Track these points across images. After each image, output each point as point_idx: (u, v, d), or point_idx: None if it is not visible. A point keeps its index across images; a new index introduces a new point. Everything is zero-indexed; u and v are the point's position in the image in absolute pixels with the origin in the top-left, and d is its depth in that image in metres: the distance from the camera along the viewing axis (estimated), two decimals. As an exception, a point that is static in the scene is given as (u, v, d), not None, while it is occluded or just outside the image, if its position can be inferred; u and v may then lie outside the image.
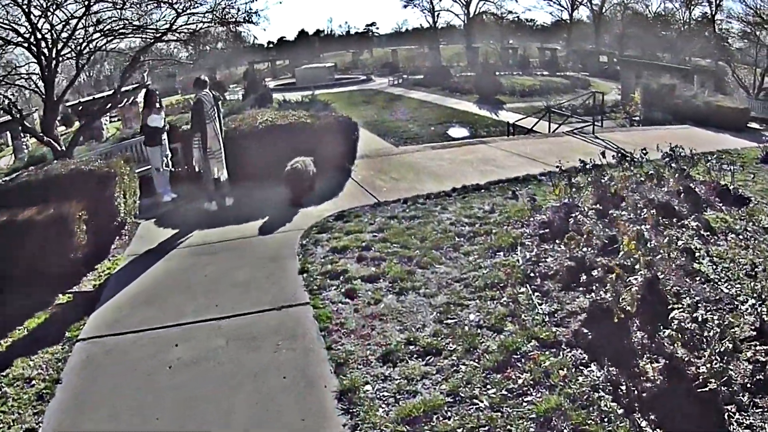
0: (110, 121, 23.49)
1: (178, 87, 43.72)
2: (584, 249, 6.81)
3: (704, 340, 5.07)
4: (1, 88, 12.81)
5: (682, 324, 5.24)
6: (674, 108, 21.96)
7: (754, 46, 35.67)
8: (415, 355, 5.67)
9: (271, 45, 76.60)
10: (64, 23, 12.14)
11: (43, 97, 12.87)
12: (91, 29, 12.56)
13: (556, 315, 6.11)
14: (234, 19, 14.77)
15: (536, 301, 6.32)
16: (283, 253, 8.52)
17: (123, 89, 14.82)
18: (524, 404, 4.90)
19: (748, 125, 20.53)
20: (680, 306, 5.67)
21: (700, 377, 4.77)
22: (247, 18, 15.14)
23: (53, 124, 12.92)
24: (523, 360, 5.45)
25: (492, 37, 59.81)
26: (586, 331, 5.70)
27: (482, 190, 11.05)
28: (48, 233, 7.90)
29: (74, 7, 12.36)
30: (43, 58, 12.28)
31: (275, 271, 7.86)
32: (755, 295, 6.14)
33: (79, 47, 12.62)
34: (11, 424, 5.17)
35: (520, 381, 5.16)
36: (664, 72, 29.32)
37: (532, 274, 6.90)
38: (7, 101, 12.39)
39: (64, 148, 12.66)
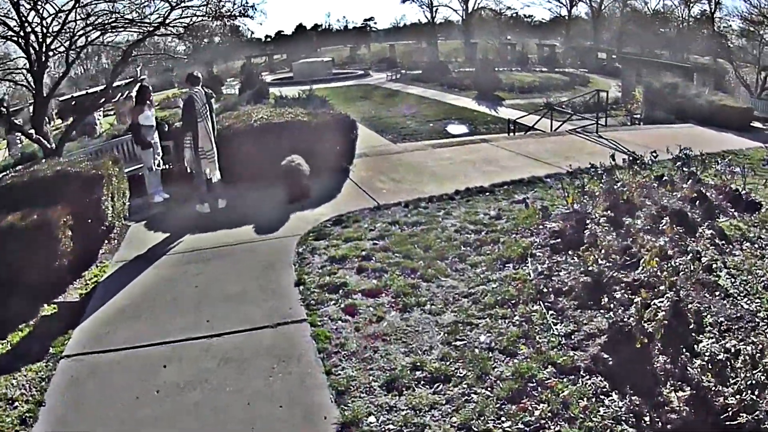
0: (104, 116, 22.93)
1: (175, 81, 43.17)
2: (600, 262, 6.36)
3: (734, 369, 4.67)
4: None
5: (712, 353, 4.83)
6: (676, 106, 21.61)
7: (757, 45, 35.24)
8: (422, 382, 5.23)
9: (268, 39, 76.02)
10: (52, 16, 11.64)
11: (33, 92, 12.38)
12: (81, 23, 12.06)
13: (573, 337, 5.66)
14: (229, 13, 14.28)
15: (551, 321, 5.88)
16: (279, 261, 8.07)
17: (114, 84, 14.31)
18: (543, 440, 4.49)
19: (752, 124, 20.18)
20: (708, 331, 5.27)
21: (729, 409, 4.40)
22: (242, 12, 14.65)
23: (43, 120, 12.46)
24: (539, 388, 5.02)
25: (490, 32, 59.38)
26: (606, 356, 5.26)
27: (487, 193, 10.59)
28: (31, 240, 7.44)
29: (63, -1, 11.90)
30: (32, 52, 11.79)
31: (270, 283, 7.41)
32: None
33: (69, 41, 12.11)
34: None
35: (537, 413, 4.72)
36: (665, 70, 28.99)
37: (545, 290, 6.44)
38: None
39: (54, 145, 12.18)
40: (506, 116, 24.32)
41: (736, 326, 5.66)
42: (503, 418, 4.72)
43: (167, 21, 12.66)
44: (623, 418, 4.64)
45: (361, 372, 5.42)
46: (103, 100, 14.41)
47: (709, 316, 5.63)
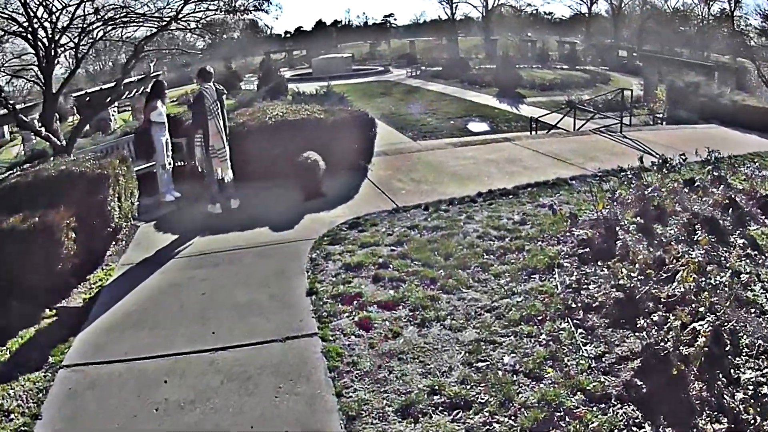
0: (119, 112, 22.70)
1: (193, 76, 43.00)
2: (632, 275, 5.85)
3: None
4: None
5: (753, 383, 4.36)
6: (699, 106, 20.99)
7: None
8: (440, 408, 4.78)
9: (288, 35, 75.91)
10: (60, 11, 11.34)
11: (43, 89, 12.12)
12: (90, 18, 11.74)
13: (603, 360, 5.16)
14: (243, 7, 13.89)
15: (580, 341, 5.40)
16: (290, 268, 7.67)
17: (126, 81, 14.01)
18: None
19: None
20: (746, 354, 4.78)
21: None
22: (257, 6, 14.26)
23: (53, 117, 12.20)
24: (567, 418, 4.54)
25: (510, 29, 58.74)
26: (639, 382, 4.78)
27: (510, 196, 10.10)
28: (32, 243, 7.10)
29: (72, -7, 11.59)
30: (40, 48, 11.49)
31: (280, 291, 7.01)
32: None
33: (77, 37, 11.80)
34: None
35: (565, 447, 4.28)
36: (686, 68, 28.33)
37: (573, 305, 5.94)
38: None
39: (64, 142, 11.90)
40: (528, 114, 23.77)
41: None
42: (528, 452, 4.28)
43: (180, 15, 12.28)
44: (659, 454, 4.19)
45: (375, 395, 4.99)
46: (113, 96, 14.04)
47: (745, 337, 5.13)
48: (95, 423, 4.95)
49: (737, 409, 4.32)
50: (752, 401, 4.34)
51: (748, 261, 6.73)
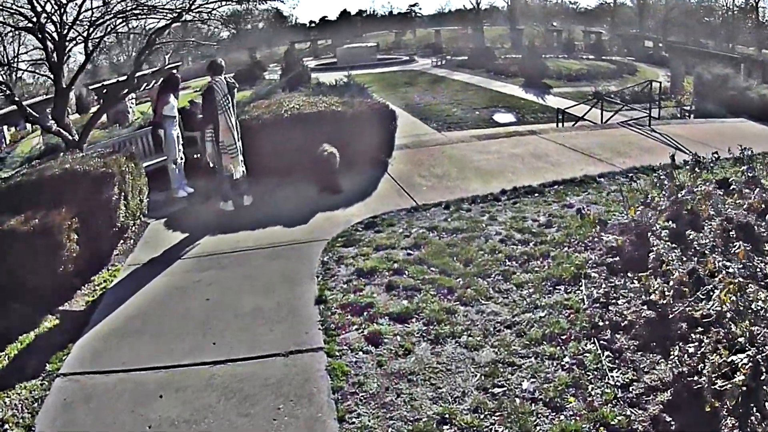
0: (137, 104, 22.45)
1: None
2: (665, 293, 5.30)
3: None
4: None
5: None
6: (728, 99, 20.20)
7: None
8: (450, 441, 4.36)
9: (313, 25, 75.55)
10: (67, 3, 11.01)
11: (54, 83, 11.87)
12: (100, 10, 11.41)
13: (631, 389, 4.63)
14: (257, -3, 13.44)
15: (606, 366, 4.90)
16: (300, 271, 7.27)
17: (139, 73, 13.71)
18: None
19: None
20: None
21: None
22: (272, -5, 13.82)
23: (64, 111, 11.91)
24: (589, 456, 4.09)
25: (536, 19, 57.72)
26: (668, 418, 4.27)
27: (535, 194, 9.57)
28: (34, 246, 6.87)
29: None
30: (49, 42, 11.22)
31: (288, 298, 6.61)
32: None
33: (86, 31, 11.50)
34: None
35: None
36: (713, 60, 27.40)
37: (600, 323, 5.42)
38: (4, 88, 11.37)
39: (76, 137, 11.65)
40: (554, 105, 23.11)
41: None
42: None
43: (193, 6, 11.88)
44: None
45: (380, 421, 4.56)
46: (127, 90, 13.74)
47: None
48: (87, 441, 4.65)
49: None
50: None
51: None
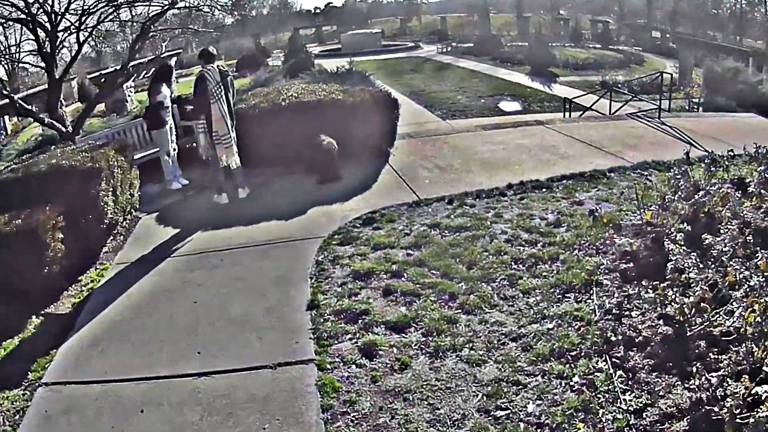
0: (136, 92, 22.02)
1: (222, 53, 42.65)
2: (684, 310, 4.85)
3: None
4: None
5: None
6: (738, 93, 19.71)
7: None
8: (447, 471, 3.97)
9: (317, 11, 74.49)
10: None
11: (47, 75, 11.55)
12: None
13: (644, 416, 4.17)
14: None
15: (619, 388, 4.48)
16: (294, 272, 6.89)
17: (134, 63, 13.32)
18: None
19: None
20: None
21: None
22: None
23: (57, 103, 11.61)
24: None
25: (542, 7, 56.88)
26: (684, 453, 3.88)
27: (543, 189, 9.13)
28: (17, 246, 6.54)
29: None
30: (40, 32, 10.85)
31: (279, 303, 6.23)
32: None
33: (78, 20, 11.12)
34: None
35: None
36: (722, 53, 26.85)
37: (612, 338, 4.99)
38: None
39: (70, 128, 11.32)
40: (561, 94, 22.58)
41: None
42: None
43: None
44: None
45: (372, 447, 4.19)
46: (122, 78, 13.36)
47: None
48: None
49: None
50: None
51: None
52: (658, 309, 5.11)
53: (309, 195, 9.42)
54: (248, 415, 4.58)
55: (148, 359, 5.45)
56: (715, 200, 6.63)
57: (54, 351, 5.76)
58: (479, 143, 12.26)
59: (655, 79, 20.57)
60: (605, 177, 9.63)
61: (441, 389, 4.68)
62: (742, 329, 4.46)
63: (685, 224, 6.40)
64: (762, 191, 7.02)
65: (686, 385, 4.36)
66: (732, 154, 8.41)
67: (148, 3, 11.61)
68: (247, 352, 5.41)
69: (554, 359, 4.88)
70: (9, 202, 7.12)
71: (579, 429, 4.14)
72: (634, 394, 4.40)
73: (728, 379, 4.22)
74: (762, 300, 4.25)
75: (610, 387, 4.49)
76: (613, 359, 4.76)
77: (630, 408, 4.26)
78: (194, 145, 10.58)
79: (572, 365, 4.78)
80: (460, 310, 5.75)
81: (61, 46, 11.47)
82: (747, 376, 4.16)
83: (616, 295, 5.61)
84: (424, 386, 4.72)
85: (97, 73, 21.96)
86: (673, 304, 4.97)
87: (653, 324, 4.94)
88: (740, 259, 5.46)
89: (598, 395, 4.43)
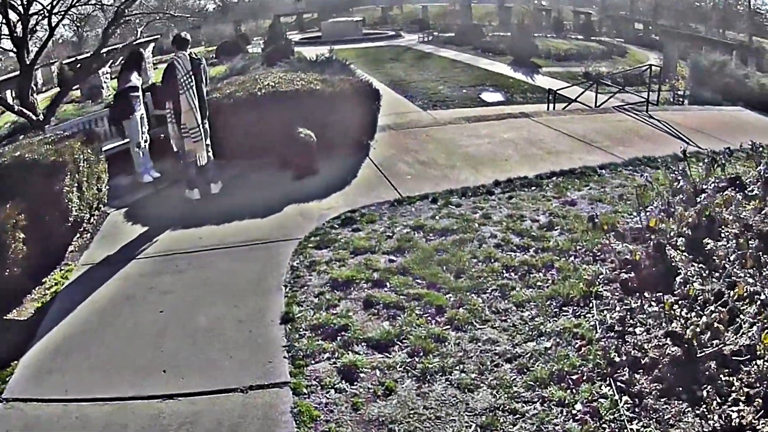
0: (111, 78, 21.26)
1: (202, 39, 41.86)
2: (696, 332, 4.43)
3: None
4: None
5: None
6: (724, 87, 19.30)
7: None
8: None
9: (299, -2, 73.38)
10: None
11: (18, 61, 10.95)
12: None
13: None
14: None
15: (625, 416, 4.05)
16: (267, 279, 6.39)
17: (108, 48, 12.70)
18: None
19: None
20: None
21: None
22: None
23: (28, 90, 11.05)
24: None
25: (524, -3, 56.53)
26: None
27: (532, 187, 8.71)
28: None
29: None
30: (12, 14, 10.25)
31: (251, 314, 5.73)
32: None
33: (50, 2, 10.54)
34: None
35: None
36: (707, 46, 26.68)
37: (616, 359, 4.55)
38: None
39: (41, 116, 10.73)
40: (543, 84, 22.21)
41: None
42: None
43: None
44: None
45: (353, 489, 3.73)
46: (96, 65, 12.76)
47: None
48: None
49: None
50: None
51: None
52: (664, 325, 4.71)
53: (285, 191, 8.92)
54: (216, 447, 4.11)
55: (110, 377, 4.96)
56: (716, 203, 6.25)
57: (15, 362, 5.28)
58: (463, 136, 11.81)
59: (644, 72, 20.26)
60: (596, 174, 9.25)
61: (430, 419, 4.22)
62: (759, 351, 4.09)
63: (687, 229, 6.02)
64: (763, 193, 6.66)
65: (697, 412, 3.97)
66: (730, 152, 8.04)
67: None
68: (216, 371, 4.93)
69: (554, 384, 4.43)
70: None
71: (584, 467, 3.71)
72: (642, 423, 3.99)
73: (740, 400, 3.87)
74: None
75: (615, 415, 4.07)
76: (618, 383, 4.33)
77: (639, 440, 3.84)
78: (164, 136, 10.07)
79: (574, 390, 4.34)
80: (448, 326, 5.28)
81: (34, 30, 10.86)
82: (761, 400, 3.82)
83: (617, 308, 5.19)
84: (411, 415, 4.25)
85: (72, 59, 21.11)
86: (679, 320, 4.58)
87: (660, 343, 4.52)
88: (747, 268, 5.09)
89: (603, 425, 4.00)
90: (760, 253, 5.26)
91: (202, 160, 8.56)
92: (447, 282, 6.01)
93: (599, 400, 4.23)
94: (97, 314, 5.98)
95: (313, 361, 4.93)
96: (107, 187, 8.86)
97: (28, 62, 10.87)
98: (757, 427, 3.69)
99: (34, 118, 10.67)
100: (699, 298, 4.82)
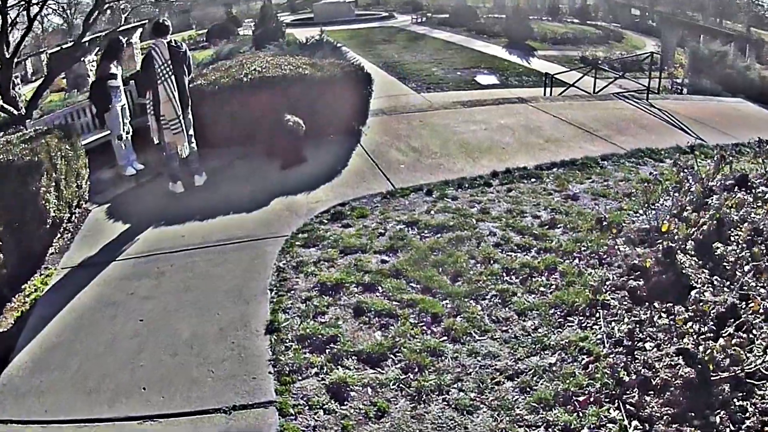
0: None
1: (193, 22, 41.20)
2: (714, 356, 4.09)
3: None
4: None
5: None
6: (724, 78, 19.00)
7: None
8: None
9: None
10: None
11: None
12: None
13: None
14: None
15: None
16: (251, 282, 6.03)
17: (90, 37, 12.27)
18: None
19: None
20: None
21: None
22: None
23: (9, 84, 10.69)
24: None
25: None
26: None
27: (532, 179, 8.35)
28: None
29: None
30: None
31: (233, 323, 5.38)
32: None
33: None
34: None
35: None
36: (705, 35, 26.32)
37: (625, 378, 4.24)
38: None
39: (23, 110, 10.34)
40: (539, 68, 21.93)
41: None
42: None
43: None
44: None
45: None
46: (78, 54, 12.34)
47: None
48: None
49: None
50: None
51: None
52: (675, 340, 4.38)
53: (272, 182, 8.56)
54: (196, 478, 3.79)
55: (88, 396, 4.64)
56: (726, 204, 5.91)
57: (-6, 379, 4.94)
58: (458, 122, 11.42)
59: (645, 59, 19.87)
60: (598, 166, 8.89)
61: (426, 445, 3.90)
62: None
63: (699, 234, 5.68)
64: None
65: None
66: (738, 149, 7.71)
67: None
68: (197, 388, 4.59)
69: (559, 405, 4.11)
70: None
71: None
72: (652, 453, 3.66)
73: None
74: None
75: (626, 444, 3.74)
76: (627, 406, 4.01)
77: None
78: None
79: (580, 414, 4.01)
80: (445, 337, 4.95)
81: (14, 22, 10.46)
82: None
83: (625, 320, 4.85)
84: (406, 441, 3.94)
85: (57, 48, 20.57)
86: (691, 335, 4.26)
87: (671, 362, 4.19)
88: (761, 284, 4.75)
89: (614, 456, 3.68)
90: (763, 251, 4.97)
91: (183, 152, 8.15)
92: (443, 286, 5.67)
93: (607, 425, 3.91)
94: (74, 325, 5.62)
95: (300, 377, 4.59)
96: (88, 183, 8.47)
97: (8, 56, 10.49)
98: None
99: (15, 113, 10.33)
100: (711, 312, 4.49)
